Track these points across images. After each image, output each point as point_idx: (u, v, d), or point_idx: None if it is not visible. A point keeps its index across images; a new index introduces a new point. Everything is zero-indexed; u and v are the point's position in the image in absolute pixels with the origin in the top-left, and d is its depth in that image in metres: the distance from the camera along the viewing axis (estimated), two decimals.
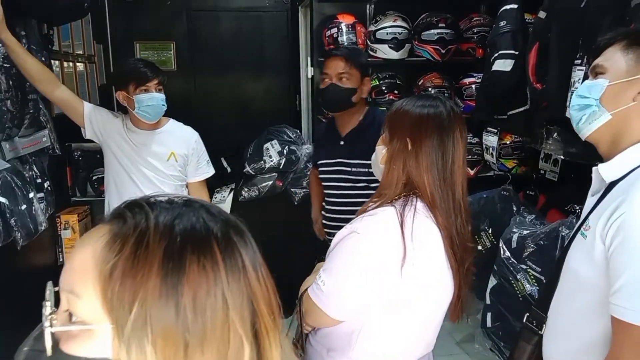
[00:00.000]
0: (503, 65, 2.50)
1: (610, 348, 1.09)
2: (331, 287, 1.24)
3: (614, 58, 1.19)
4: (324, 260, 1.36)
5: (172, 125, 2.45)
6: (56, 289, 0.58)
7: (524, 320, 1.38)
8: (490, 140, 3.03)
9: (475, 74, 3.21)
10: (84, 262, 0.55)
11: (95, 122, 2.35)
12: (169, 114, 2.41)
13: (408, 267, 1.20)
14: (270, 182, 3.32)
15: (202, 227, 0.56)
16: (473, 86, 3.19)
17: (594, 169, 1.24)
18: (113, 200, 2.40)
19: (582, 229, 1.21)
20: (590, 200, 1.27)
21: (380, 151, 1.38)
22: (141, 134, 2.36)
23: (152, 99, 2.26)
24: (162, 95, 2.29)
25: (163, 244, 0.53)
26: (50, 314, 0.56)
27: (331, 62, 2.29)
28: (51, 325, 0.55)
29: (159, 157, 2.37)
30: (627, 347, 1.05)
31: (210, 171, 2.55)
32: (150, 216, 0.55)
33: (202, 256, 0.53)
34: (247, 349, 0.55)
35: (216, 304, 0.53)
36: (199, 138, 2.48)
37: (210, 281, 0.53)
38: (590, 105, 1.21)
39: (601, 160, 1.26)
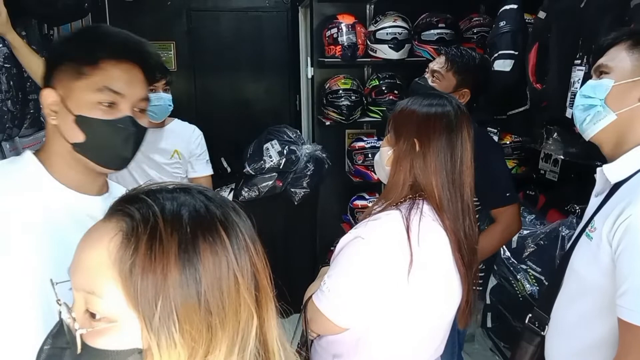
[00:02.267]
0: (503, 65, 2.51)
1: (618, 350, 1.09)
2: (336, 294, 1.22)
3: (619, 58, 1.18)
4: (328, 264, 1.34)
5: (177, 124, 2.46)
6: (57, 283, 0.61)
7: (526, 321, 1.37)
8: None
9: None
10: (100, 264, 0.56)
11: None
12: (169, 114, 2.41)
13: (415, 272, 1.18)
14: (270, 182, 3.32)
15: (205, 212, 0.58)
16: None
17: (598, 169, 1.24)
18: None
19: (587, 230, 1.20)
20: (594, 201, 1.26)
21: (386, 152, 1.33)
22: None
23: (159, 99, 2.27)
24: (169, 96, 2.31)
25: (175, 236, 0.55)
26: (71, 313, 0.58)
27: (439, 56, 2.13)
28: (78, 326, 0.57)
29: (162, 154, 2.38)
30: (635, 349, 1.05)
31: (206, 170, 2.53)
32: (155, 209, 0.57)
33: (213, 241, 0.57)
34: (255, 319, 0.60)
35: (230, 284, 0.57)
36: (202, 136, 2.49)
37: (222, 264, 0.57)
38: (595, 106, 1.20)
39: (602, 160, 1.26)
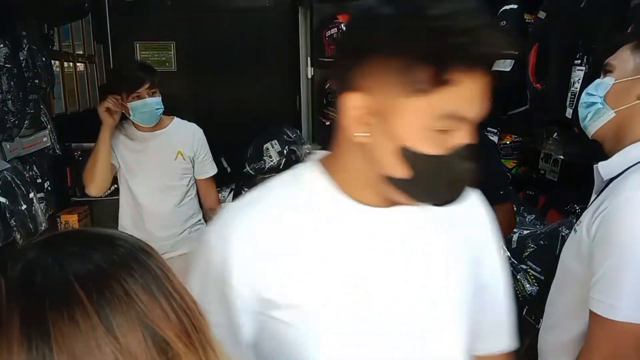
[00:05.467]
0: (503, 65, 2.51)
1: (585, 340, 1.11)
2: None
3: (623, 57, 1.20)
4: None
5: (177, 124, 2.42)
6: None
7: (523, 313, 1.39)
8: None
9: None
10: None
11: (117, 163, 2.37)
12: (169, 114, 2.40)
13: None
14: None
15: (57, 272, 0.46)
16: None
17: (594, 167, 1.26)
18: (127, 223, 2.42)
19: (575, 224, 1.24)
20: (592, 199, 1.28)
21: None
22: (145, 137, 2.35)
23: (145, 106, 2.24)
24: (155, 99, 2.26)
25: (17, 310, 0.44)
26: None
27: None
28: None
29: (167, 156, 2.35)
30: (601, 341, 1.06)
31: (212, 170, 2.54)
32: (1, 281, 0.46)
33: (66, 307, 0.44)
34: None
35: (100, 352, 0.45)
36: (202, 135, 2.47)
37: (86, 331, 0.44)
38: (596, 103, 1.23)
39: (600, 160, 1.27)
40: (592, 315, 1.08)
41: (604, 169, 1.21)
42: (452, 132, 0.71)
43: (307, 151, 3.34)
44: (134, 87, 2.23)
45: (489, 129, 3.02)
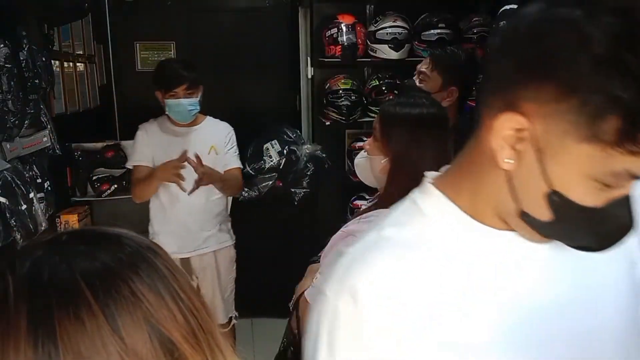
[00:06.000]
0: None
1: None
2: None
3: None
4: (316, 262, 1.34)
5: (209, 121, 2.61)
6: None
7: None
8: None
9: None
10: None
11: (152, 157, 2.47)
12: (203, 113, 2.58)
13: None
14: (270, 182, 3.32)
15: (64, 270, 0.47)
16: None
17: None
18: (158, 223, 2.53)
19: None
20: None
21: (379, 162, 1.32)
22: (181, 131, 2.50)
23: (178, 106, 2.39)
24: (191, 100, 2.41)
25: (24, 308, 0.44)
26: None
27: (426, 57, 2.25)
28: None
29: (201, 151, 2.45)
30: None
31: (235, 163, 2.65)
32: (8, 277, 0.46)
33: (72, 306, 0.45)
34: None
35: (106, 352, 0.45)
36: (233, 132, 2.66)
37: (91, 330, 0.45)
38: None
39: None
40: None
41: None
42: (612, 188, 0.59)
43: (307, 150, 3.35)
44: (170, 86, 2.38)
45: None
